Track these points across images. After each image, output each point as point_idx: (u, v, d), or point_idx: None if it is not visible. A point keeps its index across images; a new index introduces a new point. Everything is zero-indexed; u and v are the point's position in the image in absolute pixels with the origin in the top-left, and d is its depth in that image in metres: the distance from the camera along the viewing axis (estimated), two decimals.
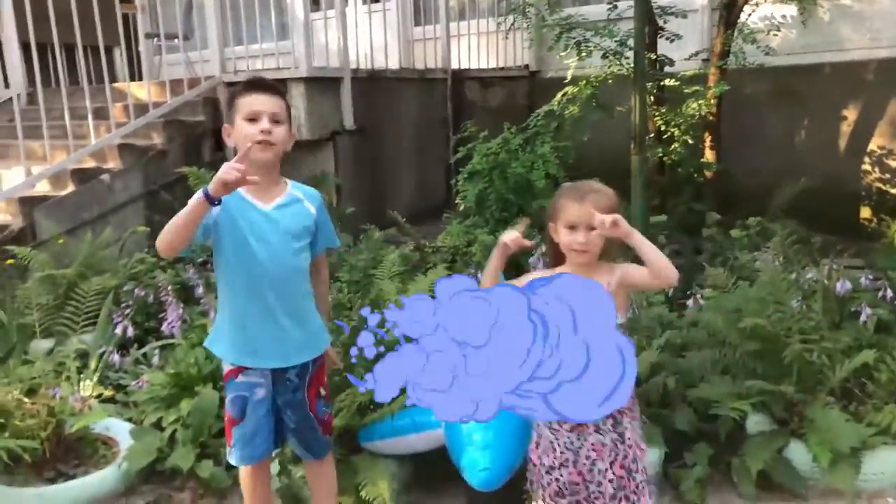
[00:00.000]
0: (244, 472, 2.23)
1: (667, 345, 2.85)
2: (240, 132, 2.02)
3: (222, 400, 2.97)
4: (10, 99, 6.02)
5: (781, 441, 2.67)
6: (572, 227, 1.94)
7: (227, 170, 1.79)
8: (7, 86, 6.18)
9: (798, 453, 2.64)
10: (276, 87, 2.09)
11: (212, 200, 1.81)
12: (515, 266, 4.29)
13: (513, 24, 5.83)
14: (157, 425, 2.95)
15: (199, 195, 1.82)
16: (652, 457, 2.63)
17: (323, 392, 2.17)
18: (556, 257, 2.06)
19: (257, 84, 2.06)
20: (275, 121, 2.02)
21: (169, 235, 1.88)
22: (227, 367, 2.13)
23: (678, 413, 2.70)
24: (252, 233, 2.02)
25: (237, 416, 2.13)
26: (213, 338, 2.16)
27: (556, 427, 1.94)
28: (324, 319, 2.21)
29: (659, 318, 3.12)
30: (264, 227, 2.03)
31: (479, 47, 6.72)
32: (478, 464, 2.27)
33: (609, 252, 2.05)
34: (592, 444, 1.91)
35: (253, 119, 2.01)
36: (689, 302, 3.13)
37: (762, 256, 3.85)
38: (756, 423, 2.75)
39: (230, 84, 5.56)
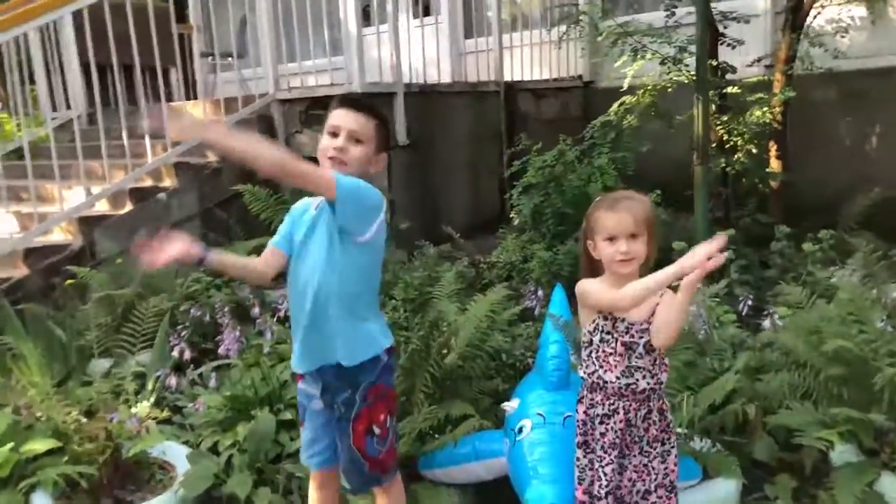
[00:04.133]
0: (311, 477, 2.24)
1: (744, 369, 2.69)
2: (321, 145, 2.02)
3: (280, 423, 2.94)
4: (71, 119, 6.24)
5: (872, 474, 2.47)
6: (611, 239, 1.91)
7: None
8: (69, 107, 6.34)
9: (891, 487, 2.44)
10: (368, 107, 2.05)
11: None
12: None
13: (566, 34, 5.72)
14: (214, 449, 2.91)
15: None
16: (728, 488, 2.48)
17: (377, 430, 2.05)
18: (593, 274, 2.01)
19: (347, 100, 2.05)
20: (355, 139, 1.98)
21: None
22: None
23: (758, 442, 2.54)
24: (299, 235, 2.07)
25: (300, 420, 2.20)
26: None
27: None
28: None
29: (731, 338, 2.95)
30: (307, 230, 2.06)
31: (532, 58, 6.61)
32: (545, 498, 2.16)
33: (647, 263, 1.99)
34: (635, 466, 1.99)
35: (334, 133, 1.99)
36: (766, 322, 2.95)
37: (839, 272, 3.65)
38: (842, 453, 2.56)
39: (284, 101, 5.57)
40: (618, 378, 1.95)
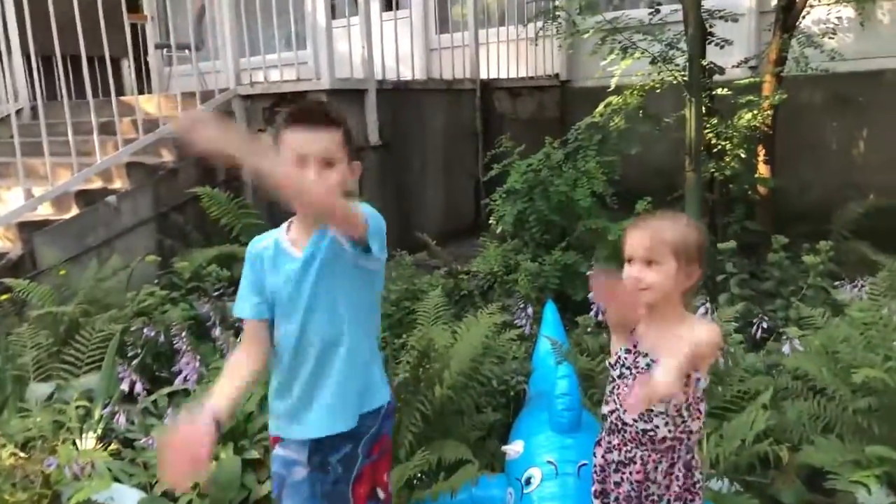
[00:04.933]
0: None
1: (771, 403, 2.43)
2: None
3: (245, 463, 2.60)
4: (13, 113, 5.77)
5: None
6: (629, 261, 1.67)
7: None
8: (15, 99, 5.87)
9: None
10: (325, 115, 1.63)
11: None
12: (565, 301, 3.89)
13: (542, 30, 5.46)
14: (170, 495, 2.55)
15: None
16: None
17: (381, 494, 1.73)
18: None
19: (302, 117, 1.61)
20: (326, 163, 1.58)
21: None
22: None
23: (783, 486, 2.28)
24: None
25: (274, 495, 1.77)
26: None
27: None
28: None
29: (745, 365, 2.70)
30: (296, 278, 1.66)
31: (508, 55, 6.34)
32: None
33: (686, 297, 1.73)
34: None
35: (299, 163, 1.58)
36: (785, 348, 2.71)
37: (845, 287, 3.45)
38: (872, 494, 2.32)
39: (246, 97, 5.19)
40: (635, 421, 1.69)
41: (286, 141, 1.59)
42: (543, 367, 2.75)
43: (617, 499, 1.74)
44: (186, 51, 5.93)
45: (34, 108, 5.77)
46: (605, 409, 1.77)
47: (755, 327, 3.05)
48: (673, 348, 1.51)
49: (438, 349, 2.37)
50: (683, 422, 1.69)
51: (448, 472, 2.23)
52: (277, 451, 1.73)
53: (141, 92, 6.66)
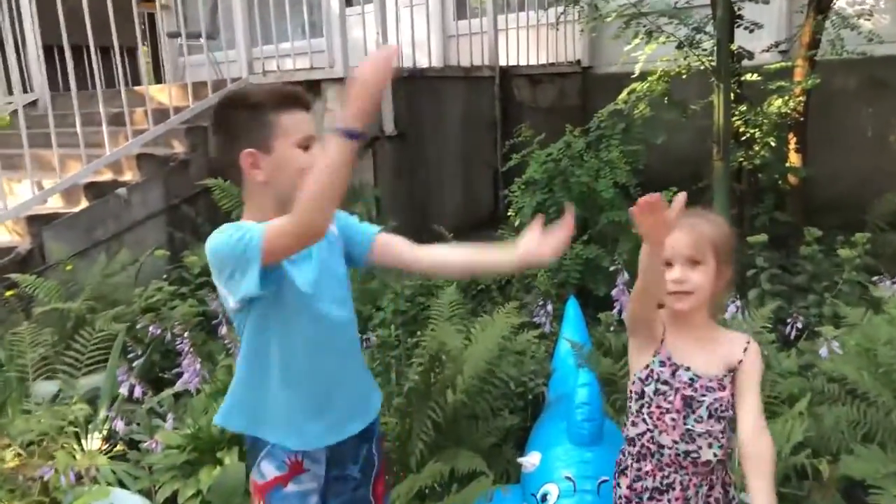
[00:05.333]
0: None
1: (808, 411, 2.27)
2: (290, 162, 1.47)
3: (249, 469, 2.49)
4: (31, 104, 5.72)
5: None
6: (668, 264, 1.49)
7: (374, 69, 1.25)
8: (31, 90, 5.82)
9: None
10: (310, 105, 1.57)
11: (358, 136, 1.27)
12: (586, 296, 3.74)
13: (563, 14, 5.28)
14: (173, 501, 2.46)
15: (340, 140, 1.26)
16: None
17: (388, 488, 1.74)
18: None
19: (300, 98, 1.52)
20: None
21: (319, 202, 1.29)
22: (269, 473, 1.58)
23: (822, 501, 2.12)
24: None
25: None
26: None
27: None
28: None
29: (780, 369, 2.53)
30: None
31: (528, 42, 6.15)
32: None
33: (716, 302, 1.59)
34: None
35: (307, 147, 1.49)
36: (823, 350, 2.53)
37: (884, 283, 3.26)
38: None
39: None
40: (675, 443, 1.53)
41: (290, 122, 1.48)
42: (564, 368, 2.61)
43: None
44: (199, 40, 5.81)
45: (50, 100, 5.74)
46: (632, 431, 1.59)
47: (789, 326, 2.88)
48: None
49: (451, 352, 2.23)
50: (728, 439, 1.54)
51: (461, 482, 2.10)
52: (290, 488, 1.56)
53: (158, 82, 6.60)
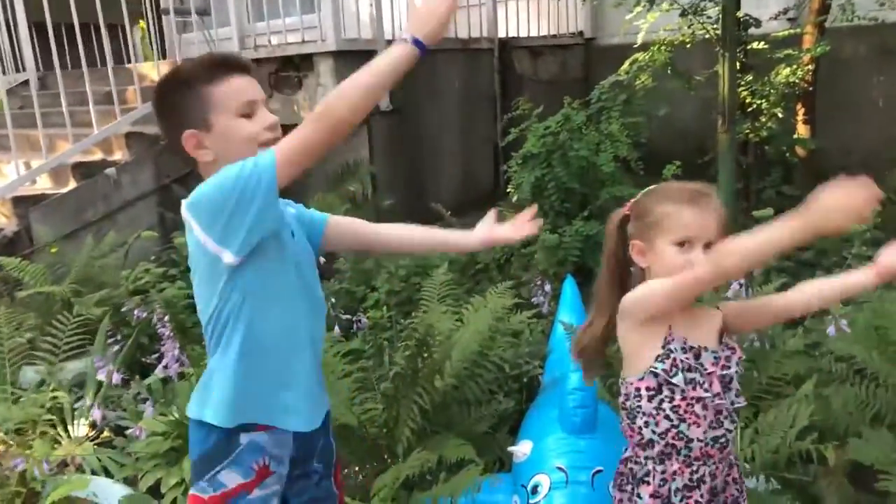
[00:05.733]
0: None
1: (814, 394, 2.17)
2: (235, 134, 1.38)
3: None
4: (23, 83, 5.61)
5: None
6: (684, 244, 1.37)
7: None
8: (23, 69, 5.71)
9: None
10: (250, 65, 1.47)
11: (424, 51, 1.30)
12: (586, 274, 3.63)
13: None
14: (157, 489, 2.39)
15: (404, 47, 1.29)
16: None
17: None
18: (622, 290, 1.44)
19: (232, 63, 1.43)
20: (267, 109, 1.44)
21: (361, 100, 1.27)
22: (231, 481, 1.44)
23: (828, 487, 2.03)
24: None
25: None
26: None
27: None
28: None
29: (784, 348, 2.43)
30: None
31: (528, 12, 5.99)
32: None
33: None
34: None
35: (248, 114, 1.39)
36: (831, 329, 2.42)
37: None
38: None
39: (253, 62, 4.94)
40: (705, 433, 1.40)
41: (227, 91, 1.39)
42: (560, 349, 2.50)
43: None
44: (190, 16, 5.68)
45: (41, 79, 5.64)
46: (648, 433, 1.42)
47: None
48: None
49: (439, 336, 2.13)
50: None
51: (450, 470, 2.01)
52: (255, 493, 1.44)
53: (164, 58, 6.47)
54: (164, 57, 6.61)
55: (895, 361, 2.21)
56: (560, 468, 1.77)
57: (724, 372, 1.40)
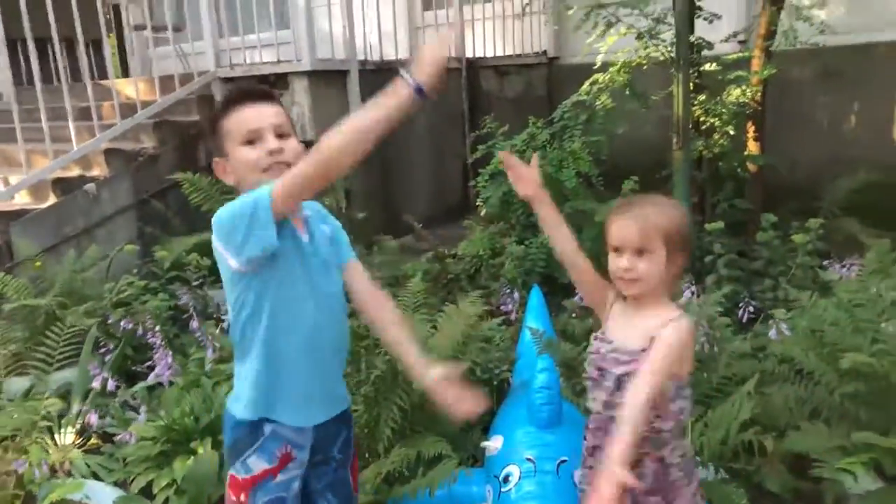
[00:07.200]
0: None
1: (756, 389, 2.38)
2: (241, 161, 1.55)
3: (222, 459, 2.55)
4: None
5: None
6: (616, 250, 1.59)
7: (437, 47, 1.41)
8: None
9: None
10: (270, 93, 1.62)
11: (423, 97, 1.37)
12: (552, 283, 3.83)
13: (528, 5, 5.35)
14: (148, 490, 2.51)
15: (408, 93, 1.36)
16: None
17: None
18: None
19: (245, 94, 1.59)
20: (280, 134, 1.56)
21: (357, 144, 1.35)
22: (257, 466, 1.61)
23: (769, 474, 2.25)
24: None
25: None
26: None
27: None
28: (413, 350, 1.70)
29: (735, 352, 2.65)
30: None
31: (494, 32, 6.22)
32: None
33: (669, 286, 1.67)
34: None
35: (252, 141, 1.55)
36: (772, 332, 2.66)
37: (833, 267, 3.40)
38: (859, 481, 2.29)
39: (227, 80, 5.09)
40: (599, 411, 1.67)
41: (233, 123, 1.56)
42: (528, 354, 2.69)
43: None
44: (165, 32, 5.78)
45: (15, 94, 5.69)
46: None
47: (742, 310, 3.00)
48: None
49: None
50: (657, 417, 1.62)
51: (429, 465, 2.18)
52: (279, 477, 1.61)
53: (126, 75, 6.55)
54: (129, 73, 6.70)
55: (829, 361, 2.43)
56: (529, 459, 1.97)
57: (603, 365, 1.62)
